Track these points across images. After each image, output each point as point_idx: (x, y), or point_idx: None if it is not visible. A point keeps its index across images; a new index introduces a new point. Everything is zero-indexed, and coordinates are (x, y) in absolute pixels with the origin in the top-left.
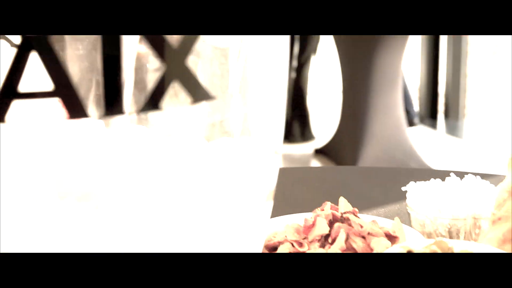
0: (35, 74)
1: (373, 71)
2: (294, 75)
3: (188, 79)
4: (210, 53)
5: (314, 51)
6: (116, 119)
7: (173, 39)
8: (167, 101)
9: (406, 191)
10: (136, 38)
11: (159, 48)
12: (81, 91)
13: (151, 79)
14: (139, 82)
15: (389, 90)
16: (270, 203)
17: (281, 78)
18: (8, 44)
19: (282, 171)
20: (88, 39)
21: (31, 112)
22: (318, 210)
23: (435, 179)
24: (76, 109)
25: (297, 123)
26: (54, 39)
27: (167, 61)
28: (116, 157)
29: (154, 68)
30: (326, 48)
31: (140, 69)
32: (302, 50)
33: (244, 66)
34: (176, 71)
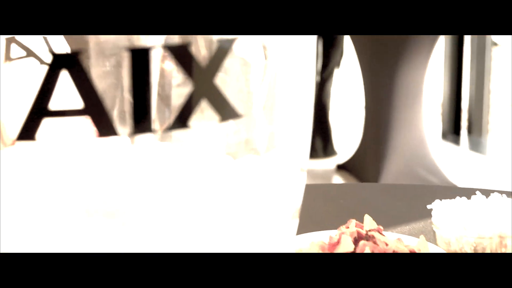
0: (65, 92)
1: (396, 87)
2: (316, 90)
3: (216, 97)
4: (237, 70)
5: (337, 66)
6: (144, 136)
7: (201, 57)
8: (194, 118)
9: (430, 209)
10: (160, 55)
11: (187, 66)
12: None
13: (176, 94)
14: (165, 98)
15: (412, 105)
16: (296, 221)
17: (307, 95)
18: (38, 62)
19: (306, 188)
20: (114, 55)
21: (61, 130)
22: (343, 228)
23: (460, 197)
24: (105, 127)
25: (319, 139)
26: (82, 56)
27: (195, 79)
28: (143, 174)
29: (177, 83)
30: (349, 63)
31: (165, 86)
32: (325, 65)
33: (270, 82)
34: (204, 89)
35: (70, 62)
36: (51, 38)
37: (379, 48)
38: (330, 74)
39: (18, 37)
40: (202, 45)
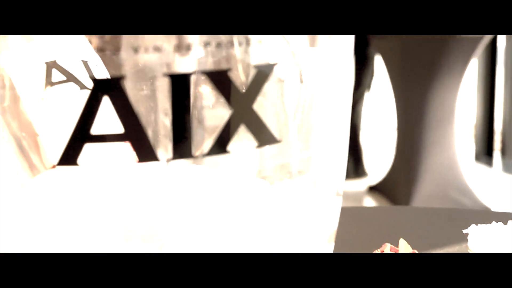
0: (106, 117)
1: (428, 107)
2: None
3: (255, 123)
4: (274, 93)
5: (369, 87)
6: (182, 161)
7: (240, 83)
8: (233, 143)
9: (465, 233)
10: (197, 79)
11: (226, 92)
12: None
13: (211, 116)
14: (202, 122)
15: (444, 126)
16: (332, 245)
17: (343, 118)
18: (78, 87)
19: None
20: (151, 79)
21: (102, 155)
22: (377, 252)
23: (496, 221)
24: (145, 152)
25: (350, 160)
26: (123, 81)
27: (234, 105)
28: (181, 198)
29: (211, 103)
30: (381, 84)
31: (202, 109)
32: (357, 86)
33: (306, 106)
34: (243, 115)
35: (111, 88)
36: (91, 62)
37: (411, 69)
38: (362, 95)
39: (59, 62)
40: (241, 71)
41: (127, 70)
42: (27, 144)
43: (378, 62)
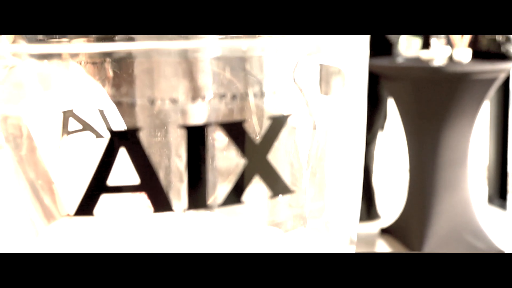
0: (122, 168)
1: (440, 149)
2: None
3: (269, 173)
4: (288, 143)
5: (382, 128)
6: (198, 211)
7: (254, 133)
8: (247, 194)
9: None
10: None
11: (241, 143)
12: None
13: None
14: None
15: (457, 168)
16: None
17: (357, 166)
18: (94, 135)
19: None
20: (165, 125)
21: (118, 206)
22: None
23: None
24: (161, 203)
25: (362, 202)
26: (139, 133)
27: (248, 155)
28: (197, 246)
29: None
30: (393, 125)
31: (217, 157)
32: (369, 128)
33: (319, 154)
34: (257, 166)
35: (127, 139)
36: (107, 112)
37: (424, 110)
38: (374, 137)
39: (76, 111)
40: (255, 122)
41: (143, 120)
42: (43, 191)
43: (390, 104)
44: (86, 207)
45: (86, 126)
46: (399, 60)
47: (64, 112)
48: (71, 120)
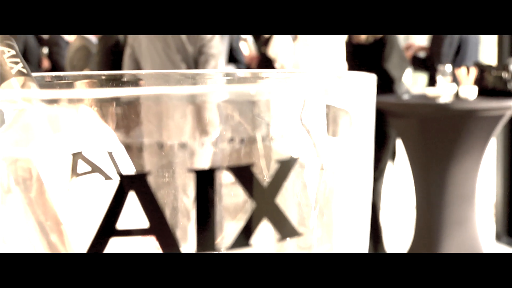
0: (131, 211)
1: (447, 186)
2: None
3: (277, 216)
4: (296, 185)
5: (388, 164)
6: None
7: (262, 176)
8: (255, 237)
9: None
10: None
11: (249, 186)
12: (171, 221)
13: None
14: (223, 211)
15: (464, 205)
16: None
17: (365, 209)
18: (103, 177)
19: None
20: (173, 166)
21: (127, 249)
22: None
23: None
24: (170, 246)
25: (369, 239)
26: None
27: (256, 198)
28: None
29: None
30: (400, 162)
31: (223, 198)
32: (376, 164)
33: (326, 195)
34: (266, 209)
35: (136, 183)
36: (116, 154)
37: (430, 147)
38: (381, 174)
39: (85, 153)
40: (264, 165)
41: (152, 163)
42: (52, 233)
43: (397, 141)
44: (95, 250)
45: (95, 168)
46: (405, 97)
47: (74, 154)
48: (80, 162)
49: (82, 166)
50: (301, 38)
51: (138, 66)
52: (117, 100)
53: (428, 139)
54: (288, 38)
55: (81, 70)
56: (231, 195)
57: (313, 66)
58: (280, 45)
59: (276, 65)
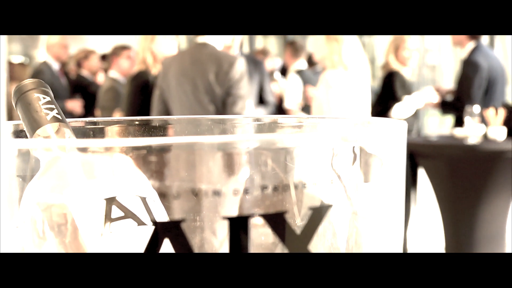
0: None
1: (477, 227)
2: None
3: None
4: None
5: (415, 204)
6: None
7: (295, 224)
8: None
9: None
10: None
11: (282, 233)
12: None
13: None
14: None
15: (494, 246)
16: None
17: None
18: (136, 223)
19: None
20: (204, 210)
21: None
22: None
23: None
24: None
25: None
26: (183, 224)
27: (289, 246)
28: None
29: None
30: (428, 203)
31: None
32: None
33: (357, 238)
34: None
35: (171, 230)
36: (149, 199)
37: (459, 188)
38: (407, 214)
39: (119, 198)
40: (296, 213)
41: (186, 210)
42: None
43: (426, 182)
44: None
45: (129, 214)
46: (433, 137)
47: (107, 200)
48: (114, 208)
49: (116, 212)
50: (323, 79)
51: (166, 107)
52: (149, 148)
53: (457, 180)
54: (297, 79)
55: (111, 111)
56: (262, 240)
57: (336, 109)
58: (288, 85)
59: (285, 104)
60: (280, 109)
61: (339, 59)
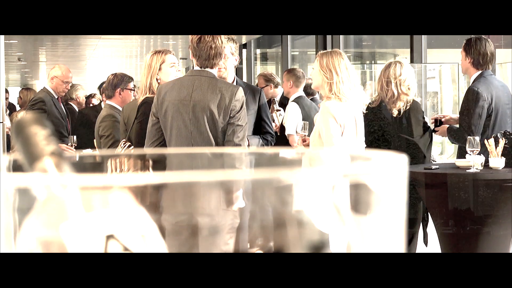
0: None
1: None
2: None
3: None
4: None
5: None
6: None
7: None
8: None
9: None
10: None
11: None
12: None
13: None
14: None
15: None
16: None
17: None
18: None
19: None
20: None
21: None
22: None
23: None
24: None
25: None
26: None
27: None
28: None
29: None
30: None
31: None
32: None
33: None
34: None
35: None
36: (148, 235)
37: (459, 216)
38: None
39: (117, 235)
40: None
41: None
42: None
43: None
44: None
45: (127, 250)
46: (434, 166)
47: (106, 236)
48: (111, 243)
49: (113, 247)
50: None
51: (163, 136)
52: (148, 185)
53: (457, 209)
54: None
55: (108, 138)
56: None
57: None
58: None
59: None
60: (280, 138)
61: (336, 88)
